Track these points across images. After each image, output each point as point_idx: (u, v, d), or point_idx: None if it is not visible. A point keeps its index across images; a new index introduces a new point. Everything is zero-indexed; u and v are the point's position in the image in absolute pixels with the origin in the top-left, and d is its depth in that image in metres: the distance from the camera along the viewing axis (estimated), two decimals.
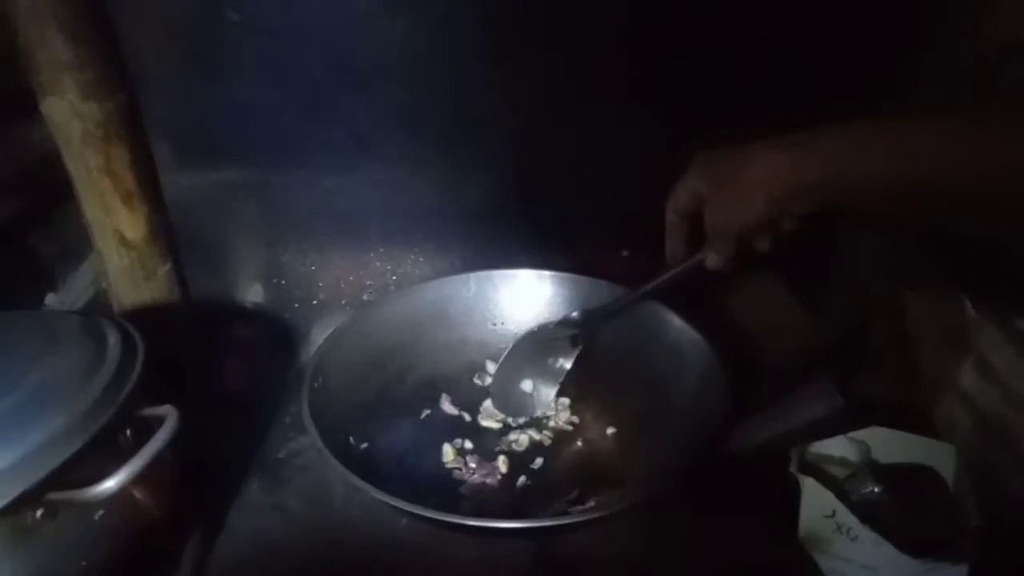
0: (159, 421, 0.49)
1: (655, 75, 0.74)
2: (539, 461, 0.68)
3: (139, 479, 0.46)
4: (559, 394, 0.74)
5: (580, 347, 0.74)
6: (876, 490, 0.57)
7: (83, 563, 0.47)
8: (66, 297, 0.78)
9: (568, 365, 0.74)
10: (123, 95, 0.71)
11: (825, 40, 0.70)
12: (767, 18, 0.71)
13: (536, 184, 0.81)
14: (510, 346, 0.75)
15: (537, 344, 0.75)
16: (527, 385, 0.75)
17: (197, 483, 0.59)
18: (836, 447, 0.60)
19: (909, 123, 0.48)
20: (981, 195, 0.46)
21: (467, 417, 0.73)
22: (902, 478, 0.58)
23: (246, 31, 0.76)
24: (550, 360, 0.75)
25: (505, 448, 0.69)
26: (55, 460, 0.43)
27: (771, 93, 0.71)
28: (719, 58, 0.72)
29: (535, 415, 0.73)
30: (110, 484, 0.44)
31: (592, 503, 0.62)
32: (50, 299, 0.77)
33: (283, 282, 0.89)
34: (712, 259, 0.59)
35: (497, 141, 0.80)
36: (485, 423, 0.72)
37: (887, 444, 0.60)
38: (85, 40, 0.67)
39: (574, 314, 0.74)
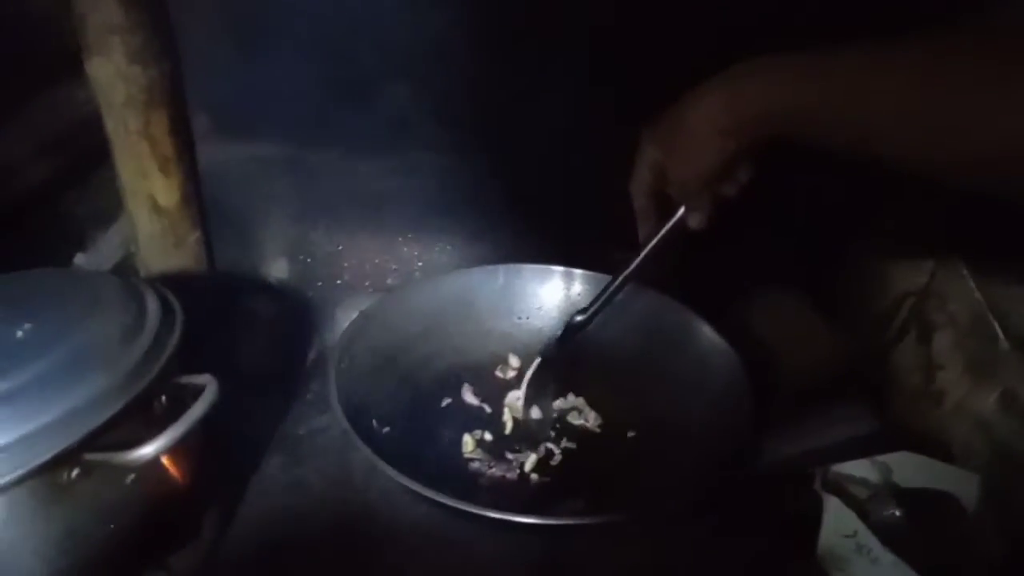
0: (194, 390, 0.49)
1: None
2: (558, 459, 0.68)
3: (171, 448, 0.46)
4: (577, 394, 0.75)
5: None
6: (897, 513, 0.57)
7: (111, 525, 0.48)
8: (95, 258, 0.78)
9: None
10: (168, 62, 0.71)
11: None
12: None
13: (574, 181, 0.81)
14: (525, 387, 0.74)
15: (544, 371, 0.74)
16: (535, 412, 0.73)
17: (219, 454, 0.59)
18: (858, 468, 0.60)
19: (853, 52, 0.45)
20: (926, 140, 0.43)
21: (488, 409, 0.73)
22: (923, 503, 0.58)
23: (293, 9, 0.76)
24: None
25: (525, 444, 0.69)
26: (94, 421, 0.44)
27: None
28: None
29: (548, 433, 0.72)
30: (148, 450, 0.44)
31: (609, 507, 0.62)
32: (79, 259, 0.77)
33: (309, 260, 0.89)
34: (695, 218, 0.60)
35: (537, 135, 0.80)
36: (506, 417, 0.72)
37: (909, 468, 0.60)
38: (136, 5, 0.67)
39: (577, 318, 0.72)
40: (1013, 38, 0.39)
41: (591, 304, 0.71)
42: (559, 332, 0.74)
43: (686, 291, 0.75)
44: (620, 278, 0.67)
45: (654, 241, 0.64)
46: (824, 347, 0.76)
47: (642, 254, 0.65)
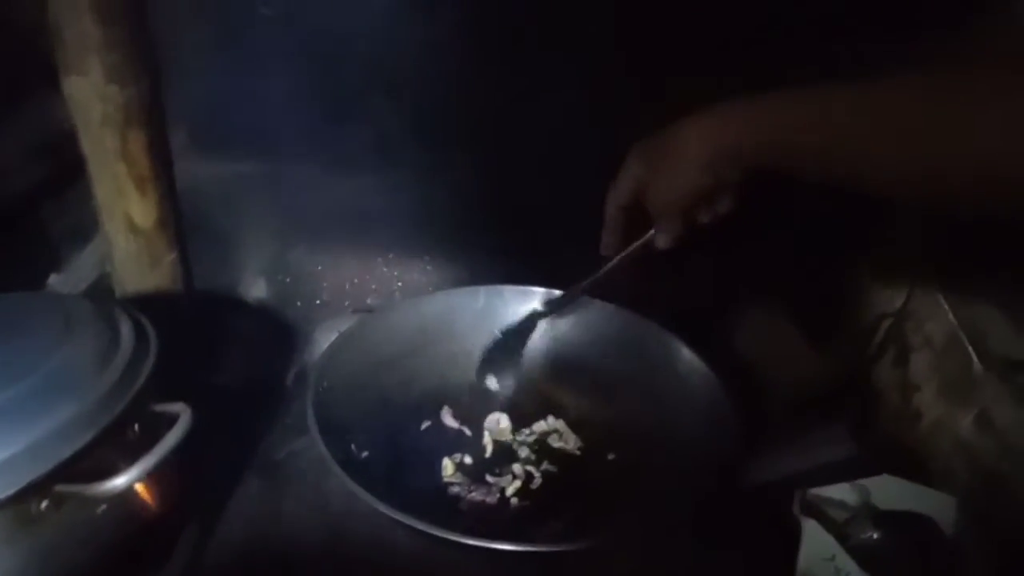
0: (169, 417, 0.48)
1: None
2: (538, 482, 0.68)
3: (144, 478, 0.45)
4: (556, 416, 0.74)
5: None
6: (875, 536, 0.58)
7: (83, 554, 0.47)
8: (70, 278, 0.77)
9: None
10: (146, 80, 0.70)
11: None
12: None
13: (556, 201, 0.81)
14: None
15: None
16: (491, 382, 0.77)
17: (195, 478, 0.58)
18: (836, 490, 0.60)
19: (843, 91, 0.46)
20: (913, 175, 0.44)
21: (468, 432, 0.72)
22: (901, 525, 0.58)
23: (275, 25, 0.76)
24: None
25: (505, 467, 0.69)
26: (65, 452, 0.43)
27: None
28: None
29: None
30: (120, 481, 0.43)
31: (590, 529, 0.62)
32: (54, 279, 0.76)
33: (288, 280, 0.88)
34: (662, 238, 0.62)
35: (519, 154, 0.80)
36: (486, 440, 0.72)
37: (887, 490, 0.60)
38: (115, 22, 0.66)
39: (536, 308, 0.77)
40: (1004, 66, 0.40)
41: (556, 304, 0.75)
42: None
43: (669, 310, 0.75)
44: (585, 283, 0.71)
45: (622, 255, 0.66)
46: (807, 367, 0.77)
47: (608, 265, 0.68)
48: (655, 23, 0.74)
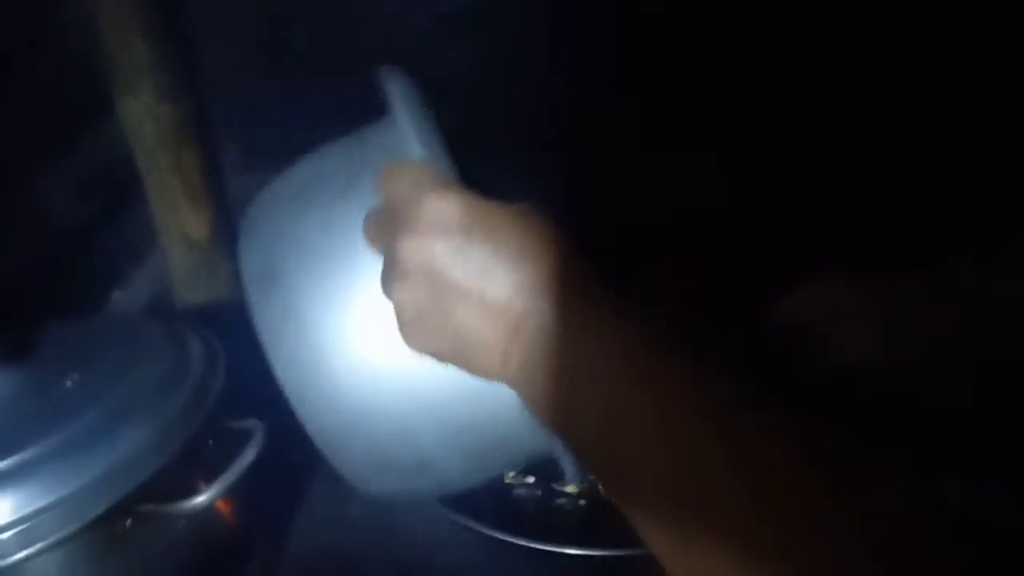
0: (242, 434, 0.49)
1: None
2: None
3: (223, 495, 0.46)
4: None
5: None
6: None
7: (165, 571, 0.48)
8: (131, 294, 0.79)
9: None
10: (196, 98, 0.72)
11: None
12: None
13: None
14: None
15: None
16: None
17: (266, 491, 0.59)
18: None
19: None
20: None
21: None
22: None
23: (320, 42, 0.76)
24: None
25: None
26: (145, 472, 0.44)
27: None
28: None
29: None
30: (202, 499, 0.44)
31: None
32: (116, 295, 0.78)
33: None
34: None
35: (567, 174, 0.79)
36: None
37: None
38: (164, 44, 0.68)
39: None
40: None
41: None
42: None
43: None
44: None
45: None
46: None
47: None
48: None
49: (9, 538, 0.40)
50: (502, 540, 0.55)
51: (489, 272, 0.33)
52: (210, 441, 0.50)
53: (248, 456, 0.46)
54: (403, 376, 0.37)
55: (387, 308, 0.35)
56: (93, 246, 0.76)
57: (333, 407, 0.38)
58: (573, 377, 0.31)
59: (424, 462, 0.38)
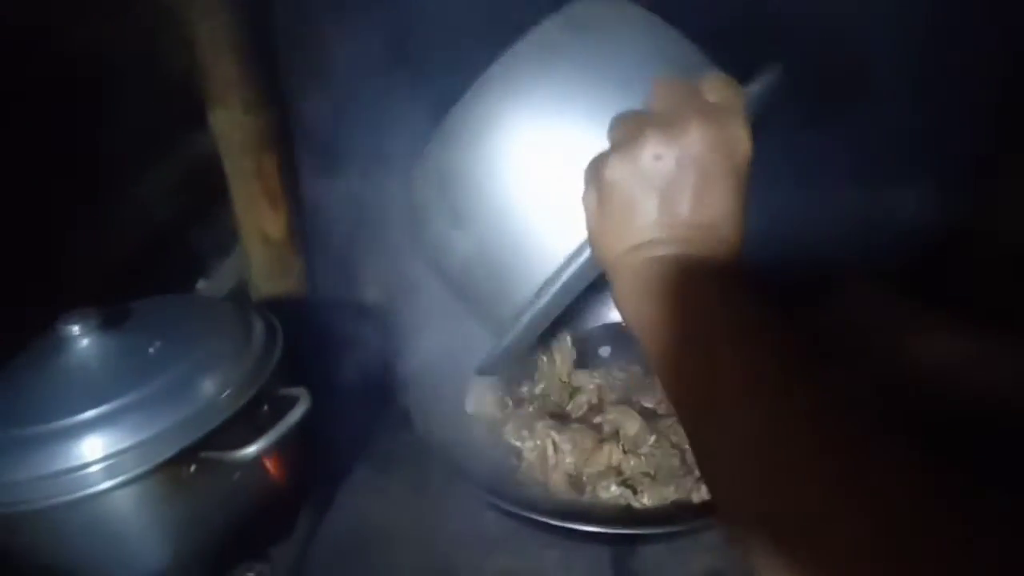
0: (292, 400, 0.56)
1: None
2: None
3: (271, 449, 0.53)
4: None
5: None
6: None
7: (222, 515, 0.56)
8: (214, 284, 0.89)
9: None
10: (277, 110, 0.80)
11: None
12: None
13: None
14: None
15: None
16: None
17: (314, 461, 0.67)
18: None
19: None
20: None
21: None
22: None
23: (396, 49, 0.83)
24: None
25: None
26: (209, 425, 0.52)
27: None
28: None
29: None
30: (252, 449, 0.51)
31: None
32: (201, 284, 0.88)
33: (398, 287, 0.96)
34: None
35: None
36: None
37: None
38: (250, 63, 0.76)
39: None
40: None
41: None
42: None
43: None
44: None
45: None
46: None
47: None
48: None
49: (99, 471, 0.49)
50: (538, 521, 0.59)
51: (709, 199, 0.39)
52: (265, 406, 0.57)
53: (294, 415, 0.53)
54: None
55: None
56: (184, 239, 0.86)
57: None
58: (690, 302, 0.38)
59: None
